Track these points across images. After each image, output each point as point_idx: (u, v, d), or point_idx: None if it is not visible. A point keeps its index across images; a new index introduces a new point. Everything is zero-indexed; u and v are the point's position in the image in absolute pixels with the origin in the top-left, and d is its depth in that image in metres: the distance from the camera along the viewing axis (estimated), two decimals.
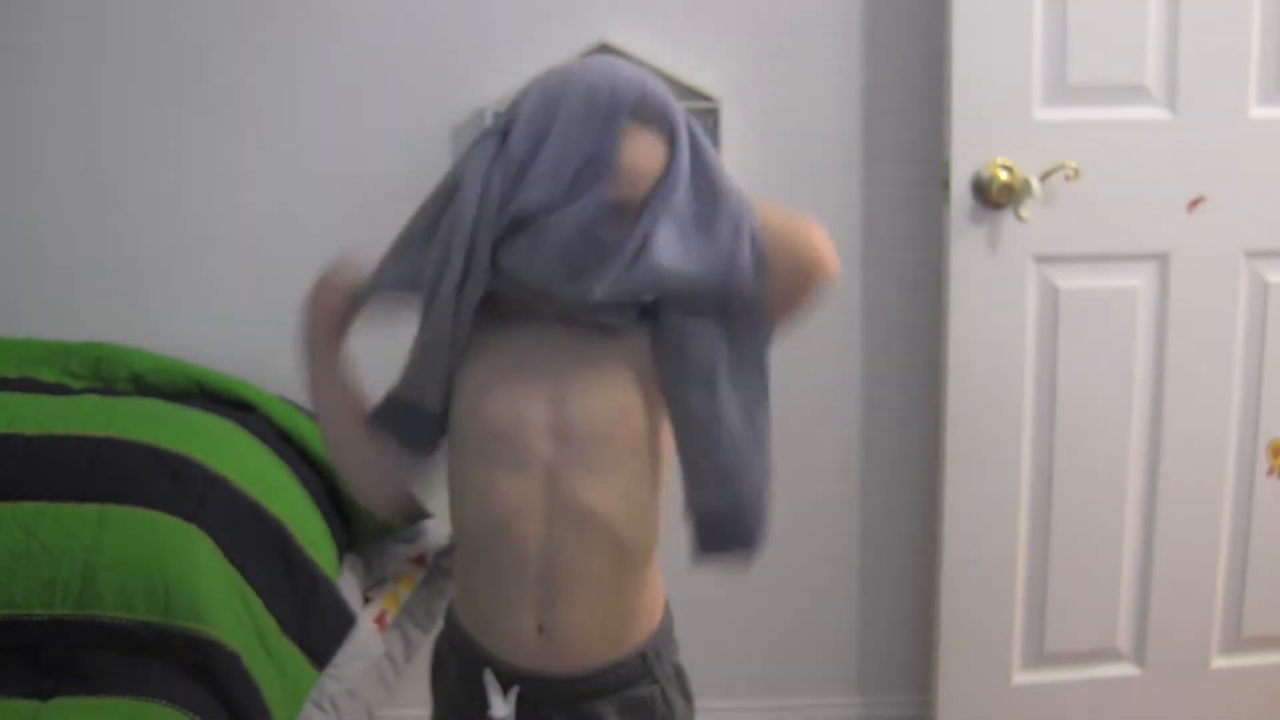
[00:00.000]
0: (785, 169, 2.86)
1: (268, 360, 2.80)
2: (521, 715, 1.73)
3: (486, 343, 1.66)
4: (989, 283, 2.71)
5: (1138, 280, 2.75)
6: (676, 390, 1.66)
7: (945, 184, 2.67)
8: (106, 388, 2.69)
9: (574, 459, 1.65)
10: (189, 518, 2.31)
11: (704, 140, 1.64)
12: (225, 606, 2.26)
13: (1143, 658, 2.91)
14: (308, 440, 2.67)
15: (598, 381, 1.66)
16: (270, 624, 2.34)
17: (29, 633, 2.17)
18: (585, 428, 1.65)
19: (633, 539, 1.73)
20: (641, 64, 2.67)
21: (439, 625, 1.90)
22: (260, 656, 2.29)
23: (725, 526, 1.71)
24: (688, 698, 1.86)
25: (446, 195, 1.64)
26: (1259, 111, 2.69)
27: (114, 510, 2.29)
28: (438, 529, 2.71)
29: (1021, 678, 2.91)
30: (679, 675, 1.85)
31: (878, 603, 3.11)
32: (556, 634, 1.70)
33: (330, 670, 2.46)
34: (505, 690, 1.73)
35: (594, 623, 1.72)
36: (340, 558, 2.62)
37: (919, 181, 2.86)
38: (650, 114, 1.57)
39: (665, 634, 1.83)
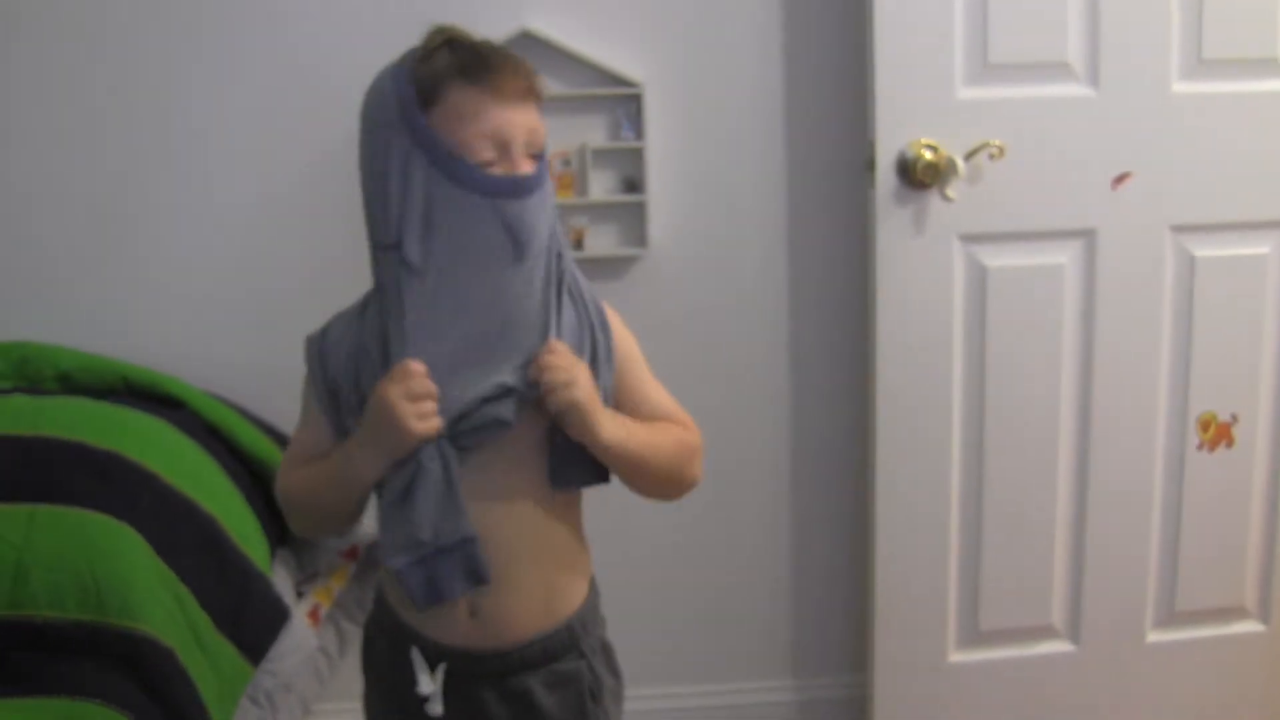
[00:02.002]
0: (710, 154, 2.96)
1: (194, 356, 2.91)
2: (450, 691, 1.82)
3: None
4: (916, 263, 2.79)
5: (1064, 257, 2.83)
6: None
7: (870, 165, 2.75)
8: (33, 387, 2.74)
9: (499, 450, 1.77)
10: (120, 516, 2.35)
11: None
12: (158, 604, 2.30)
13: (1077, 634, 3.01)
14: (237, 435, 2.74)
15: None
16: (204, 620, 2.39)
17: None
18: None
19: (562, 517, 1.86)
20: (564, 51, 2.80)
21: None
22: (195, 653, 2.34)
23: None
24: (616, 673, 1.97)
25: None
26: (1181, 86, 2.77)
27: (44, 510, 2.32)
28: (367, 522, 2.77)
29: (957, 657, 3.00)
30: (605, 650, 1.95)
31: (811, 584, 3.20)
32: (488, 615, 1.80)
33: (265, 665, 2.52)
34: (432, 667, 1.83)
35: (524, 602, 1.82)
36: (272, 552, 2.68)
37: (844, 164, 2.95)
38: None
39: (592, 609, 1.93)
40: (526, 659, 1.84)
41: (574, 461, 1.81)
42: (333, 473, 1.80)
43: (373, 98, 1.78)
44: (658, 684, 3.14)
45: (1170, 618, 3.04)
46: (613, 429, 1.78)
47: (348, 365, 1.79)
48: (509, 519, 1.78)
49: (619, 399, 1.85)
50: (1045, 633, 3.03)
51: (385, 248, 1.74)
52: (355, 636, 2.82)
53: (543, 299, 1.75)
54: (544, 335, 1.74)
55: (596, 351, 1.82)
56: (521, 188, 1.72)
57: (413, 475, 1.72)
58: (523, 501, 1.81)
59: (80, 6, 2.83)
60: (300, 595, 2.77)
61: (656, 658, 3.13)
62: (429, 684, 1.82)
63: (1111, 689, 3.05)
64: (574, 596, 1.90)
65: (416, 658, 1.84)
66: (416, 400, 1.68)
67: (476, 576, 1.74)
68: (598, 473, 1.84)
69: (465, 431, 1.73)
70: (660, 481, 1.89)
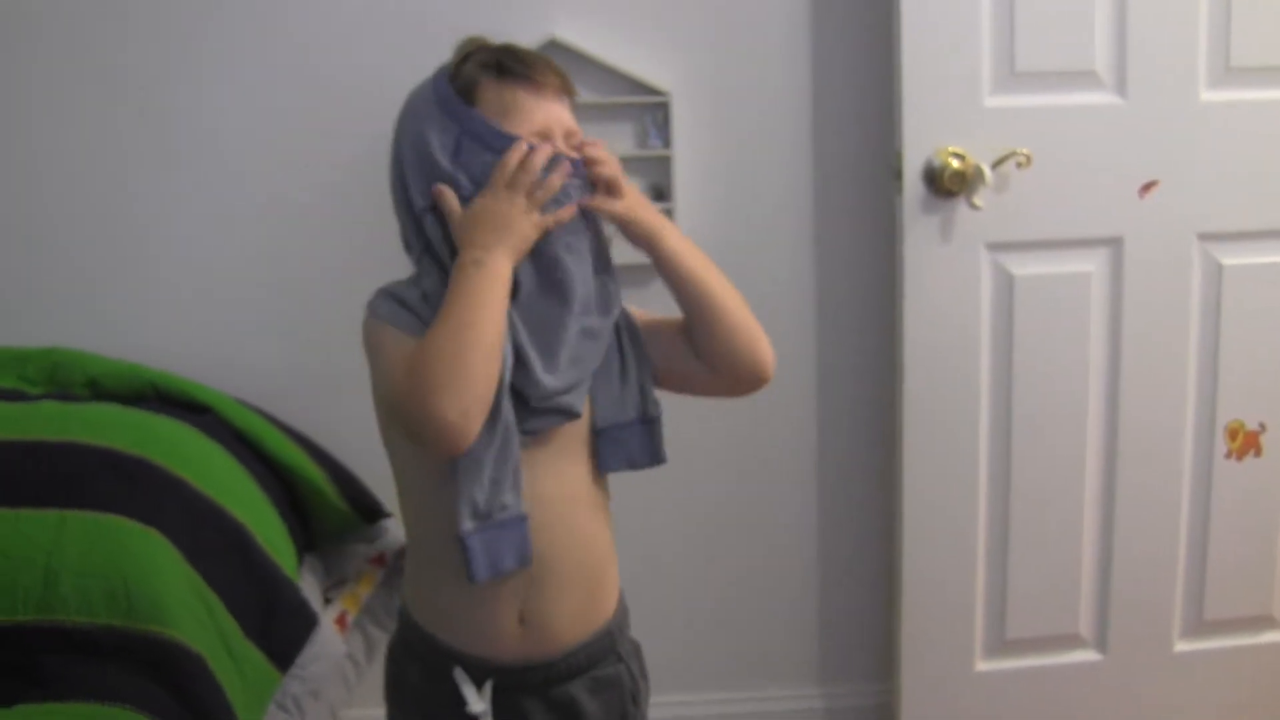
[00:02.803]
0: (737, 162, 2.98)
1: (221, 362, 2.94)
2: (495, 707, 1.82)
3: None
4: (943, 271, 2.81)
5: (1092, 265, 2.85)
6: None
7: (897, 174, 2.78)
8: (63, 393, 2.75)
9: (540, 451, 1.77)
10: (149, 521, 2.35)
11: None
12: (187, 609, 2.30)
13: (1104, 643, 3.02)
14: (264, 441, 2.75)
15: None
16: (232, 626, 2.40)
17: None
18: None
19: (602, 522, 1.87)
20: (592, 60, 2.82)
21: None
22: (223, 659, 2.33)
23: None
24: (644, 675, 1.98)
25: None
26: (1209, 94, 2.79)
27: (74, 515, 2.32)
28: (396, 529, 2.81)
29: (984, 665, 3.01)
30: (638, 651, 1.97)
31: (838, 592, 3.21)
32: (538, 622, 1.80)
33: (293, 671, 2.51)
34: (478, 685, 1.82)
35: (572, 607, 1.83)
36: (300, 558, 2.69)
37: (871, 172, 2.97)
38: None
39: (624, 611, 1.95)
40: (571, 666, 1.85)
41: (621, 443, 1.84)
42: (466, 302, 1.64)
43: (411, 109, 1.80)
44: (682, 690, 3.16)
45: (1198, 627, 3.05)
46: (677, 233, 1.84)
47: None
48: (556, 521, 1.78)
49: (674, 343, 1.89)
50: (1072, 642, 3.04)
51: None
52: (382, 643, 2.79)
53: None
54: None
55: (623, 350, 1.86)
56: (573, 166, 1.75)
57: (502, 439, 1.68)
58: (568, 504, 1.82)
59: (99, 15, 2.86)
60: (328, 601, 2.78)
61: (681, 664, 3.14)
62: (479, 702, 1.81)
63: (1138, 698, 3.05)
64: (611, 600, 1.92)
65: (461, 677, 1.83)
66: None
67: (523, 557, 1.73)
68: (645, 454, 1.86)
69: (535, 414, 1.73)
70: (735, 314, 1.87)
